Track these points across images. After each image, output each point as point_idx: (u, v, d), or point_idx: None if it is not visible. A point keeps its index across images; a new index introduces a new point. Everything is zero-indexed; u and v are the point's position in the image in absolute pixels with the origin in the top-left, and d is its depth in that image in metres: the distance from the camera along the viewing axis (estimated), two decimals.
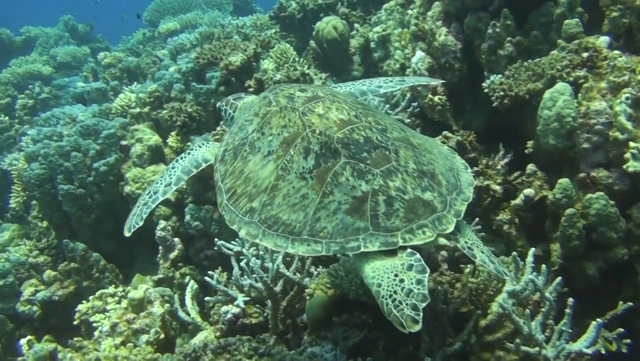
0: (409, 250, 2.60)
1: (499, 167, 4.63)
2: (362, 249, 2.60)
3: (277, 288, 4.24)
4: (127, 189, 6.02)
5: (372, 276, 2.55)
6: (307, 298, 4.05)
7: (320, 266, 4.34)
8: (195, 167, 3.43)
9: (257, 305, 4.69)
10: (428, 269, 2.50)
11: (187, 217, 5.68)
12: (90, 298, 5.66)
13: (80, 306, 5.60)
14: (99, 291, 5.70)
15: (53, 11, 23.85)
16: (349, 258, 3.84)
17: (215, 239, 4.81)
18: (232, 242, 4.83)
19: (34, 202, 7.67)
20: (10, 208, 8.33)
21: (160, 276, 5.52)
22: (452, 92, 5.26)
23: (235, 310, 4.54)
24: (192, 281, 5.27)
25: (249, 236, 2.84)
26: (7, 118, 10.56)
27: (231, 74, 5.72)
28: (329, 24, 7.63)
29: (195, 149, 3.53)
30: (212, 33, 8.75)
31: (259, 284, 4.33)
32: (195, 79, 6.67)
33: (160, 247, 5.67)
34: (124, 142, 6.34)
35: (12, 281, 6.13)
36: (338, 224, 2.66)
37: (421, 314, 2.34)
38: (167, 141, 6.33)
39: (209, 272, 4.81)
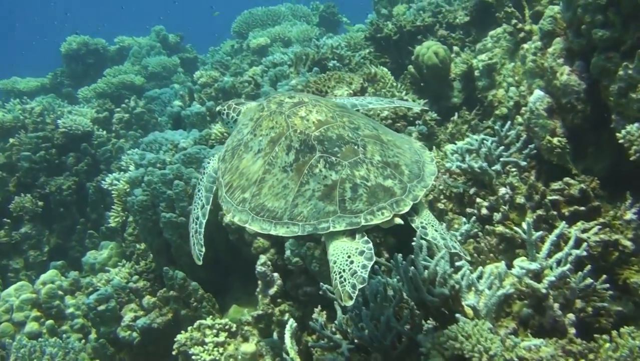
0: (365, 238, 3.01)
1: (627, 218, 4.29)
2: (331, 229, 3.00)
3: (387, 342, 4.07)
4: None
5: (332, 254, 3.01)
6: (422, 357, 3.85)
7: (430, 319, 4.14)
8: (212, 182, 3.85)
9: (361, 353, 4.53)
10: (374, 258, 2.91)
11: (287, 252, 5.59)
12: (189, 328, 5.67)
13: (179, 337, 5.62)
14: (197, 322, 5.71)
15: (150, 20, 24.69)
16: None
17: (321, 283, 4.71)
18: None
19: (130, 219, 7.85)
20: (108, 224, 8.57)
21: (260, 312, 5.44)
22: (572, 134, 4.93)
23: (341, 359, 4.40)
24: (291, 320, 5.17)
25: (240, 222, 3.27)
26: (104, 133, 10.89)
27: None
28: (430, 50, 7.39)
29: (206, 166, 3.95)
30: (307, 54, 8.68)
31: (366, 333, 4.19)
32: None
33: (259, 281, 5.61)
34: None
35: (114, 305, 6.25)
36: (312, 209, 3.07)
37: (357, 292, 2.79)
38: None
39: (313, 316, 4.71)
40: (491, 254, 4.64)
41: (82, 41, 17.57)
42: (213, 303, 6.13)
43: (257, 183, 3.31)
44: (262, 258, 5.54)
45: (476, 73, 6.93)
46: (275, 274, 5.57)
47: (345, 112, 3.56)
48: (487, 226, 4.78)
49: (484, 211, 4.90)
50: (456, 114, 7.21)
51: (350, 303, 2.79)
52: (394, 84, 7.37)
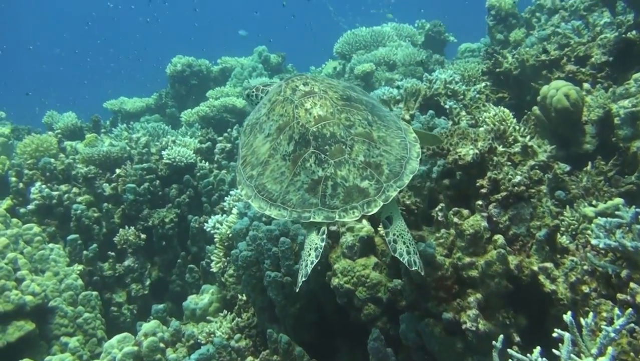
0: (322, 236, 3.53)
1: None
2: (312, 220, 3.47)
3: None
4: (334, 281, 5.52)
5: (305, 243, 3.57)
6: None
7: None
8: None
9: None
10: (320, 257, 3.43)
11: (403, 326, 5.06)
12: None
13: None
14: None
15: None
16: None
17: None
18: None
19: (229, 259, 7.59)
20: (209, 262, 8.39)
21: None
22: None
23: None
24: None
25: (246, 196, 3.75)
26: (207, 164, 10.77)
27: (459, 169, 5.00)
28: (559, 91, 6.63)
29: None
30: (419, 90, 8.14)
31: None
32: None
33: (371, 356, 5.11)
34: (333, 228, 5.90)
35: None
36: (300, 198, 3.53)
37: (303, 280, 3.40)
38: (379, 229, 5.77)
39: None
40: None
41: (186, 62, 17.83)
42: None
43: (263, 164, 3.74)
44: (375, 332, 5.03)
45: (616, 120, 6.13)
46: (389, 350, 5.05)
47: (346, 106, 3.83)
48: None
49: None
50: (589, 163, 6.43)
51: (297, 289, 3.48)
52: (517, 127, 6.67)
